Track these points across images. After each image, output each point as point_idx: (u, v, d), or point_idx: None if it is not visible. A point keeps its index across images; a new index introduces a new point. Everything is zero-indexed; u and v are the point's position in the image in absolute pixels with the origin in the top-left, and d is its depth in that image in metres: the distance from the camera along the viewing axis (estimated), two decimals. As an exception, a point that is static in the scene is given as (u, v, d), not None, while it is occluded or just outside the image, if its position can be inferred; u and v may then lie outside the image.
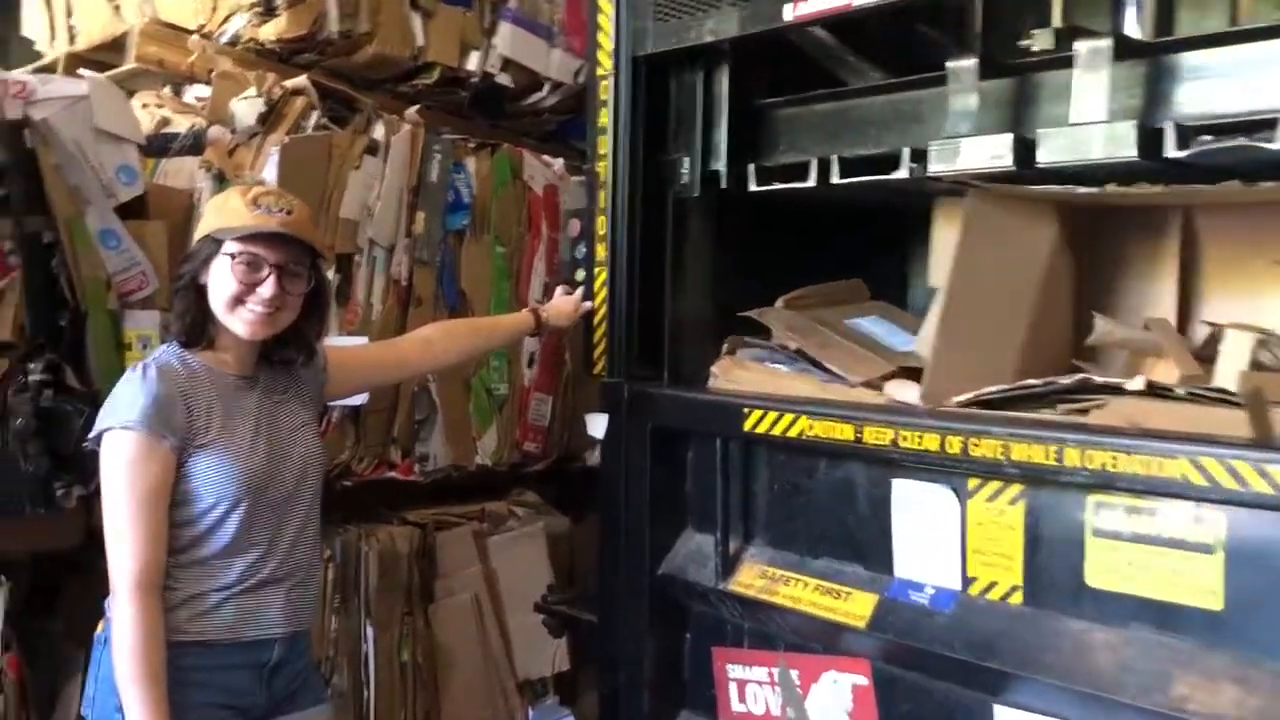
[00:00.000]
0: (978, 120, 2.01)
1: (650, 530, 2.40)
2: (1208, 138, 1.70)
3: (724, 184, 2.38)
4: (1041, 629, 1.82)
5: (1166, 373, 1.94)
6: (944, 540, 1.96)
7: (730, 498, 2.29)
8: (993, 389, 2.02)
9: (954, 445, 1.84)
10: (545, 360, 3.23)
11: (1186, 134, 1.72)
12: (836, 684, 2.14)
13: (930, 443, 1.88)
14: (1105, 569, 1.76)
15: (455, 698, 2.95)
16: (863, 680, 2.10)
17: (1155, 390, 1.80)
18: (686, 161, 2.44)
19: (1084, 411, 1.87)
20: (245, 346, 1.93)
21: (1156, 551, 1.69)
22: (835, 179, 2.17)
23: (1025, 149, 1.88)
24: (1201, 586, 1.65)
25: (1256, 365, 1.88)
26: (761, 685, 2.29)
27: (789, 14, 2.13)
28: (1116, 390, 1.83)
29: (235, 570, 1.88)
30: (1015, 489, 1.86)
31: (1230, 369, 1.91)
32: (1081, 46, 1.81)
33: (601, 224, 2.48)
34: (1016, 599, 1.87)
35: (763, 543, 2.29)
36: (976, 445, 1.81)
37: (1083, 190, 1.94)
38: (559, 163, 3.27)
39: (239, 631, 1.88)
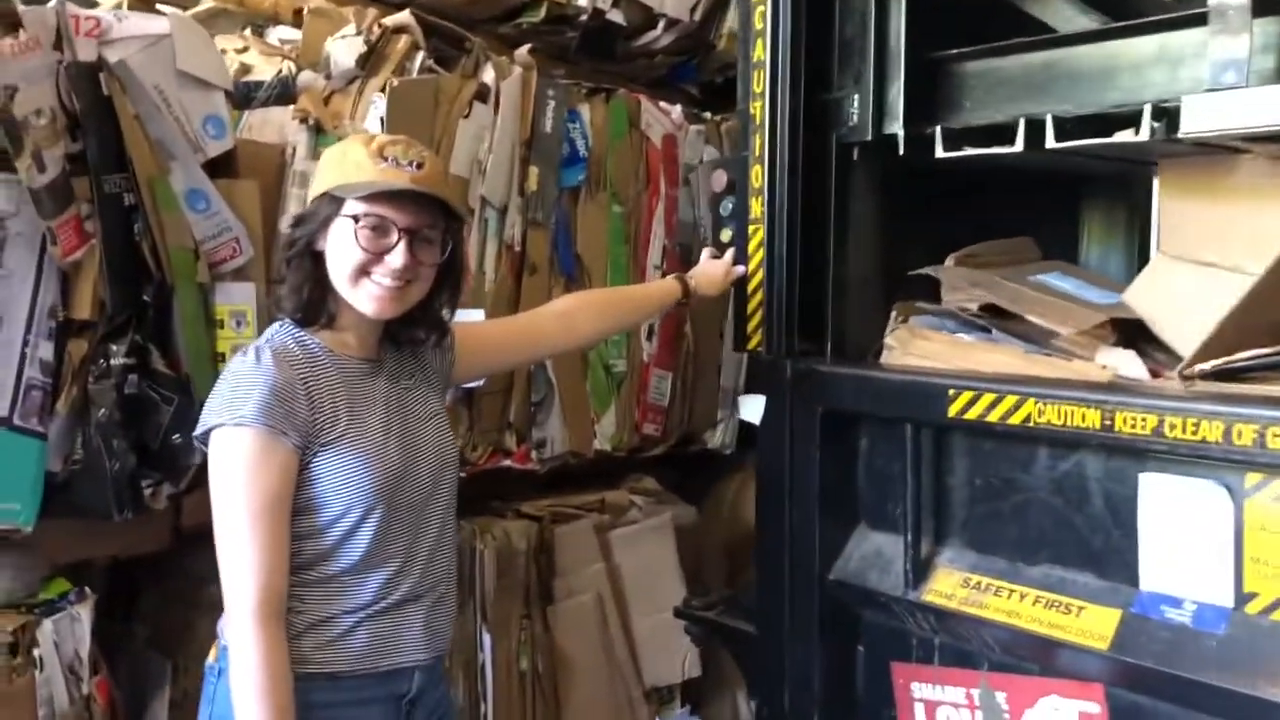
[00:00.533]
0: (1250, 69, 1.58)
1: (820, 529, 2.08)
2: None
3: (901, 149, 2.02)
4: (1352, 659, 1.48)
5: None
6: (1211, 547, 1.62)
7: (921, 493, 1.96)
8: (1245, 355, 1.67)
9: (1246, 435, 1.50)
10: (665, 332, 2.89)
11: None
12: (1058, 711, 1.82)
13: (1211, 432, 1.53)
14: None
15: (578, 709, 2.65)
16: (1095, 708, 1.77)
17: None
18: (855, 99, 2.08)
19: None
20: (370, 325, 1.63)
21: None
22: (1051, 142, 1.80)
23: None
24: None
25: None
26: (958, 708, 1.96)
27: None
28: None
29: (370, 588, 1.58)
30: (1316, 487, 1.51)
31: None
32: None
33: (756, 175, 2.14)
34: (1314, 621, 1.53)
35: (960, 546, 1.96)
36: (1278, 435, 1.46)
37: None
38: (677, 110, 2.91)
39: (373, 660, 1.59)
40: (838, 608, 2.09)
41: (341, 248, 1.56)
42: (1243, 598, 1.60)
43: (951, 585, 1.93)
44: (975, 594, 1.89)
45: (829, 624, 2.09)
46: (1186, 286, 1.88)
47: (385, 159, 1.56)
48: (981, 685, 1.91)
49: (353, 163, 1.57)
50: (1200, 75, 1.65)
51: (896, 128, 2.03)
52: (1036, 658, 1.82)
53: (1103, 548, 1.76)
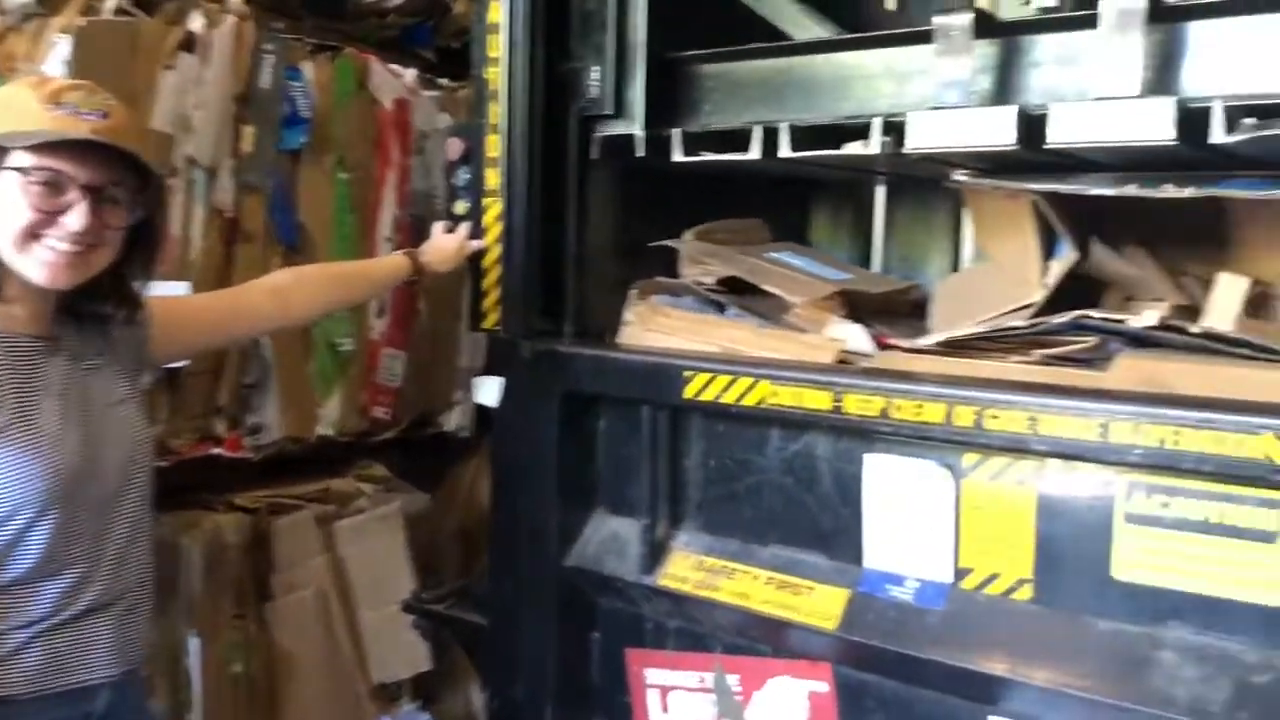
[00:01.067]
0: (970, 89, 1.61)
1: (558, 515, 2.01)
2: (1251, 120, 1.40)
3: (640, 150, 1.96)
4: (1056, 628, 1.56)
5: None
6: (932, 526, 1.67)
7: (658, 476, 1.93)
8: (964, 330, 1.74)
9: (965, 417, 1.54)
10: (397, 310, 2.74)
11: (1234, 116, 1.39)
12: (788, 691, 1.84)
13: (933, 414, 1.57)
14: (1137, 560, 1.50)
15: (297, 710, 2.47)
16: (823, 687, 1.80)
17: (1171, 329, 1.56)
18: (596, 71, 2.02)
19: (1086, 362, 1.61)
20: (43, 296, 1.42)
21: (1203, 540, 1.45)
22: (785, 152, 1.77)
23: (1032, 126, 1.53)
24: (1258, 579, 1.42)
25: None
26: (691, 692, 1.95)
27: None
28: (1116, 330, 1.58)
29: (46, 600, 1.38)
30: (1027, 465, 1.58)
31: (1223, 317, 1.69)
32: (1108, 6, 1.47)
33: (493, 144, 2.03)
34: (1024, 594, 1.60)
35: (696, 529, 1.95)
36: (996, 418, 1.51)
37: (1095, 191, 1.64)
38: (410, 74, 2.76)
39: (52, 680, 1.39)
40: (574, 595, 2.03)
41: (7, 206, 1.34)
42: (960, 573, 1.65)
43: (686, 568, 1.91)
44: (709, 577, 1.88)
45: (564, 612, 2.03)
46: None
47: (61, 105, 1.35)
48: (715, 668, 1.91)
49: (21, 108, 1.35)
50: (927, 92, 1.67)
51: (636, 129, 1.96)
52: (768, 639, 1.82)
53: (832, 528, 1.78)
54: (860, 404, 1.64)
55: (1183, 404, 1.40)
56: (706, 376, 1.78)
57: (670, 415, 1.92)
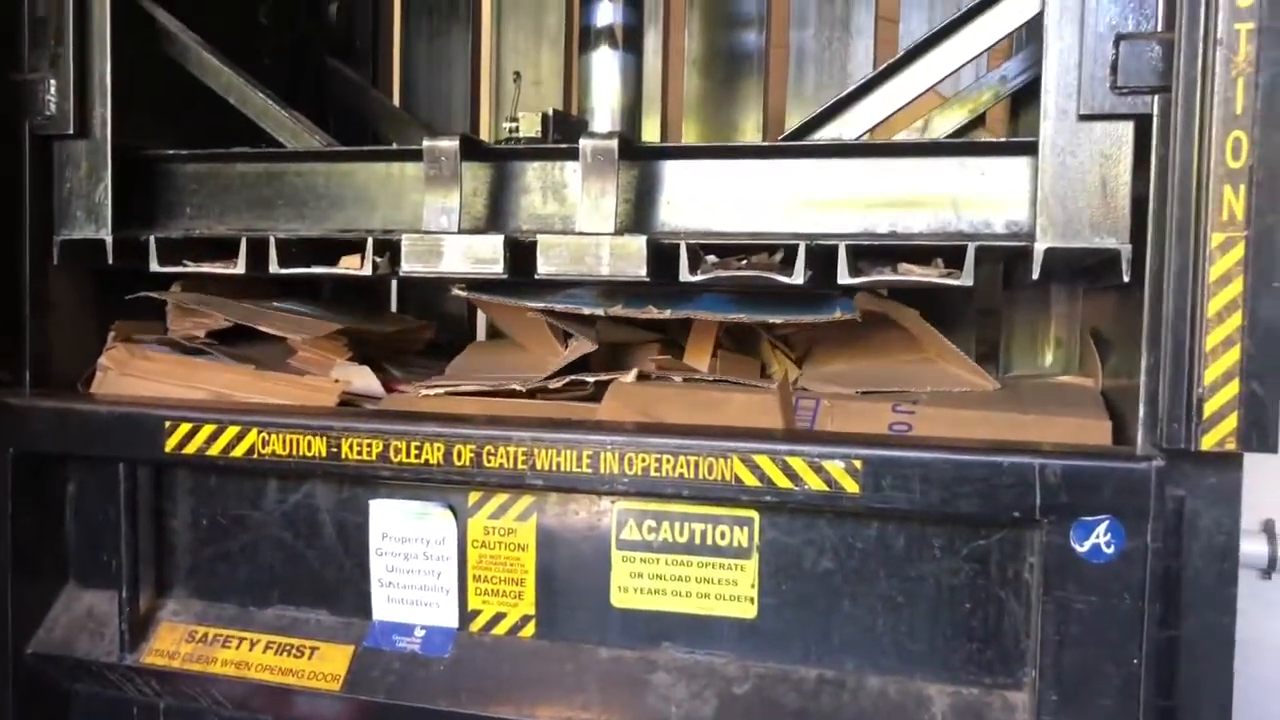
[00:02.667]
0: (461, 213, 1.58)
1: (13, 594, 1.73)
2: (712, 259, 1.50)
3: (110, 258, 1.73)
4: (560, 663, 1.56)
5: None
6: (437, 570, 1.62)
7: (139, 541, 1.72)
8: (472, 384, 1.73)
9: (464, 456, 1.50)
10: None
11: (697, 254, 1.50)
12: (294, 762, 1.70)
13: (432, 454, 1.52)
14: (632, 585, 1.55)
15: None
16: (333, 754, 1.68)
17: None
18: (53, 85, 1.77)
19: (591, 397, 1.65)
20: None
21: (686, 561, 1.52)
22: (274, 268, 1.63)
23: (521, 256, 1.54)
24: (736, 594, 1.51)
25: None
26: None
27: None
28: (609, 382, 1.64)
29: None
30: (526, 500, 1.58)
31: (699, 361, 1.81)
32: (586, 144, 1.52)
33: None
34: (528, 631, 1.59)
35: (186, 595, 1.76)
36: (494, 454, 1.49)
37: (588, 311, 1.69)
38: None
39: None
40: (40, 686, 1.75)
41: None
42: (467, 617, 1.61)
43: (175, 642, 1.71)
44: (202, 648, 1.69)
45: (28, 707, 1.75)
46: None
47: None
48: (212, 748, 1.72)
49: None
50: (420, 213, 1.60)
51: (104, 234, 1.74)
52: (270, 709, 1.67)
53: (337, 581, 1.67)
54: (358, 448, 1.55)
55: (662, 433, 1.45)
56: (189, 426, 1.61)
57: (152, 471, 1.72)
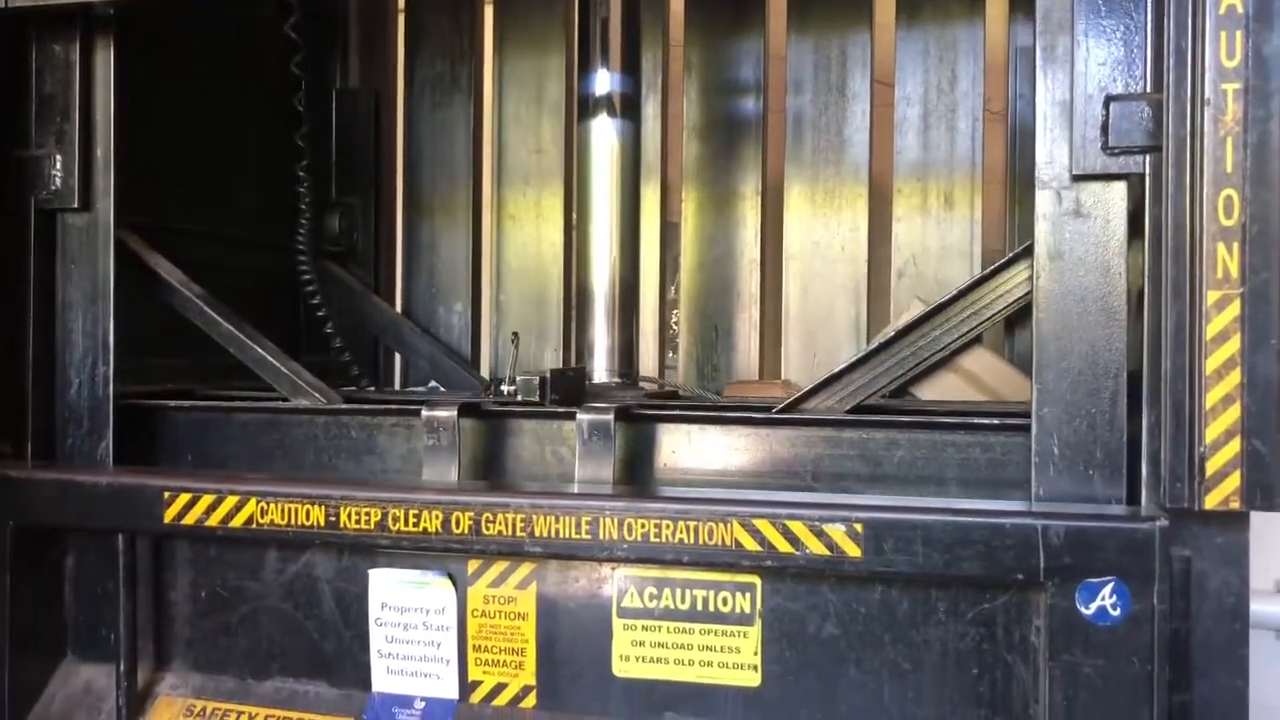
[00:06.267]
0: (461, 470, 1.71)
1: (11, 669, 1.71)
2: None
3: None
4: (560, 735, 1.54)
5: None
6: (437, 641, 1.60)
7: (138, 613, 1.70)
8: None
9: (463, 523, 1.49)
10: None
11: None
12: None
13: (431, 522, 1.51)
14: (633, 654, 1.53)
15: None
16: (326, 829, 1.65)
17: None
18: (59, 160, 1.80)
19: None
20: None
21: (689, 629, 1.50)
22: None
23: None
24: (738, 661, 1.49)
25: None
26: None
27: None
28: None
29: None
30: (526, 569, 1.56)
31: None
32: (583, 419, 1.65)
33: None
34: (529, 702, 1.57)
35: (185, 669, 1.74)
36: (492, 522, 1.48)
37: None
38: None
39: None
40: (37, 765, 1.73)
41: None
42: (467, 688, 1.59)
43: (173, 716, 1.69)
44: (200, 723, 1.67)
45: (26, 788, 1.72)
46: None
47: None
48: (211, 825, 1.69)
49: None
50: (421, 459, 1.72)
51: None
52: (270, 785, 1.65)
53: (336, 653, 1.65)
54: (357, 517, 1.54)
55: (662, 498, 1.44)
56: (188, 496, 1.60)
57: (152, 542, 1.71)
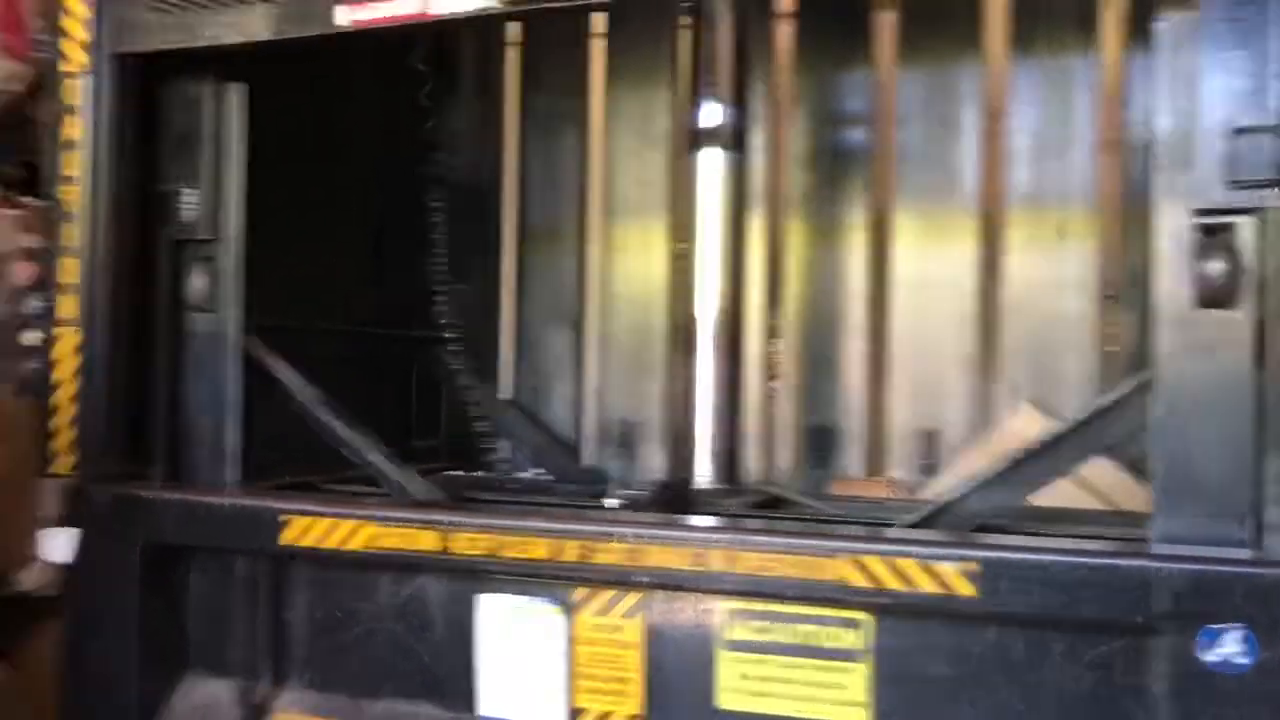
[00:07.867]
0: None
1: (139, 680, 1.78)
2: None
3: None
4: (665, 765, 1.54)
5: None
6: (544, 666, 1.62)
7: (258, 631, 1.76)
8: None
9: (571, 552, 1.51)
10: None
11: None
12: None
13: (539, 550, 1.53)
14: (737, 686, 1.52)
15: None
16: None
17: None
18: (193, 194, 1.89)
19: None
20: None
21: (793, 663, 1.49)
22: None
23: None
24: (842, 699, 1.47)
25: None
26: None
27: (342, 18, 1.71)
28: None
29: None
30: (633, 598, 1.57)
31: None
32: None
33: (68, 269, 1.84)
34: (635, 731, 1.57)
35: (301, 686, 1.79)
36: (601, 551, 1.50)
37: None
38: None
39: None
40: (162, 773, 1.80)
41: None
42: (573, 715, 1.60)
43: (290, 733, 1.74)
44: (315, 739, 1.72)
45: (151, 794, 1.79)
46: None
47: None
48: (324, 839, 1.74)
49: None
50: None
51: None
52: (382, 802, 1.68)
53: (445, 674, 1.68)
54: (469, 543, 1.58)
55: (770, 531, 1.44)
56: (306, 520, 1.66)
57: (271, 564, 1.77)
